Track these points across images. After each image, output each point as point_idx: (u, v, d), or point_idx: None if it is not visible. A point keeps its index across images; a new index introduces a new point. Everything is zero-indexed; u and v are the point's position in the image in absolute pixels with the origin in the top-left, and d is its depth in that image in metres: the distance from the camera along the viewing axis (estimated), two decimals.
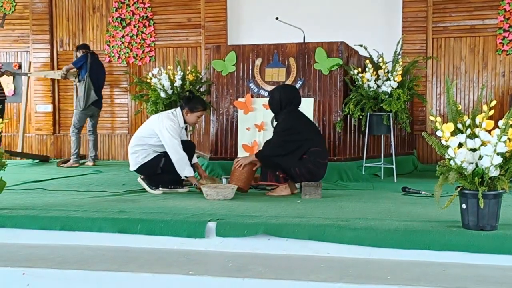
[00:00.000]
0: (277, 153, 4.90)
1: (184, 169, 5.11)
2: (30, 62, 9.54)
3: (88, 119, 8.46)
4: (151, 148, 5.22)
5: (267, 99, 6.17)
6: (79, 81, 8.35)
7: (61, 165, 8.26)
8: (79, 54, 8.45)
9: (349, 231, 3.32)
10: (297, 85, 6.21)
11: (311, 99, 6.20)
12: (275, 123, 5.31)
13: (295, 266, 3.12)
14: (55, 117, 9.74)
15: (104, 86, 8.85)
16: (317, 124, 6.02)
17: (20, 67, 9.79)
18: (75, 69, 8.56)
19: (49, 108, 9.68)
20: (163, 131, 5.14)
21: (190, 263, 3.19)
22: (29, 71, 9.45)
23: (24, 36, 9.79)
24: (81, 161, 8.49)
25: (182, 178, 5.21)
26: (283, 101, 5.07)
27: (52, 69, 9.61)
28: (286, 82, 6.25)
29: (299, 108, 5.17)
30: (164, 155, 5.19)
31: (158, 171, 5.17)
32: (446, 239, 3.17)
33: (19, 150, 9.18)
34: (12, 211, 3.95)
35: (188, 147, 5.33)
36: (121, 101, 9.51)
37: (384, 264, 3.13)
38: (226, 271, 3.03)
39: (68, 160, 8.43)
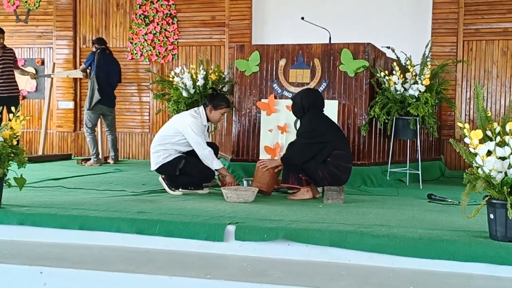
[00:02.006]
0: (301, 157, 4.90)
1: (212, 162, 5.19)
2: (54, 64, 9.64)
3: (102, 118, 8.51)
4: (173, 147, 5.26)
5: (291, 101, 6.19)
6: (89, 79, 8.43)
7: (82, 163, 8.34)
8: (93, 49, 8.52)
9: (371, 238, 3.30)
10: (322, 87, 6.20)
11: (336, 102, 6.18)
12: (298, 125, 5.32)
13: (315, 272, 3.11)
14: (76, 114, 9.86)
15: (125, 84, 8.93)
16: (341, 127, 5.99)
17: (43, 63, 9.92)
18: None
19: (71, 105, 9.80)
20: (187, 129, 5.20)
21: (208, 266, 3.20)
22: (52, 71, 9.54)
23: (48, 32, 9.92)
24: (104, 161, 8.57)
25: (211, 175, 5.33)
26: (305, 104, 5.06)
27: (75, 66, 9.73)
28: (311, 84, 6.24)
29: (323, 111, 5.16)
30: (185, 157, 5.23)
31: (177, 172, 5.21)
32: (472, 249, 3.13)
33: (41, 147, 9.29)
34: (31, 209, 4.01)
35: (212, 149, 5.35)
36: (143, 100, 9.58)
37: (407, 273, 3.10)
38: (244, 275, 3.03)
39: (89, 159, 8.50)
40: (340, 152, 4.93)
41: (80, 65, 9.51)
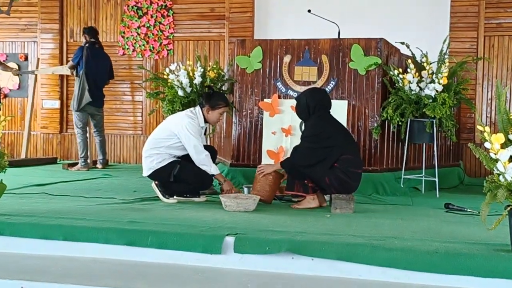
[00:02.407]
0: (305, 163, 4.90)
1: (210, 168, 5.23)
2: (38, 59, 9.66)
3: (90, 119, 8.51)
4: (168, 151, 5.26)
5: (295, 101, 6.18)
6: (76, 77, 8.37)
7: (69, 168, 8.35)
8: (83, 39, 8.49)
9: (384, 251, 3.29)
10: (330, 86, 6.20)
11: (345, 102, 6.18)
12: (304, 127, 5.32)
13: None
14: (63, 114, 9.87)
15: (117, 82, 8.93)
16: (350, 130, 5.99)
17: (26, 58, 9.95)
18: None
19: (56, 104, 9.81)
20: (182, 131, 5.20)
21: (204, 281, 3.19)
22: (36, 68, 9.55)
23: (32, 25, 9.95)
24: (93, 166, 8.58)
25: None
26: (311, 105, 5.05)
27: (61, 62, 9.74)
28: (318, 82, 6.24)
29: (330, 112, 5.16)
30: (180, 162, 5.23)
31: (171, 179, 5.21)
32: (492, 264, 3.12)
33: (23, 150, 9.30)
34: (11, 218, 4.00)
35: (210, 153, 5.35)
36: (136, 99, 9.60)
37: None
38: None
39: (77, 163, 8.50)
40: (348, 157, 4.92)
41: (68, 61, 9.50)
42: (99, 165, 8.51)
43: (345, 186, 4.90)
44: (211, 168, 5.25)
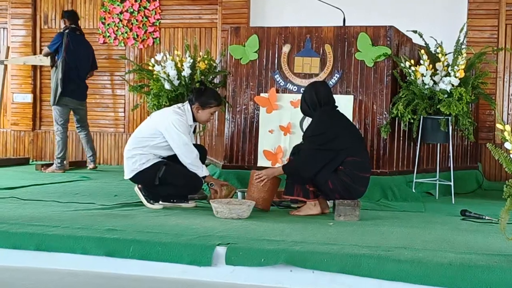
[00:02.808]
0: (312, 169, 4.89)
1: (200, 169, 5.25)
2: (8, 48, 9.63)
3: (72, 114, 8.50)
4: (152, 151, 5.25)
5: (296, 95, 6.20)
6: (52, 67, 8.34)
7: (42, 169, 8.33)
8: (63, 24, 8.45)
9: (392, 263, 3.30)
10: (334, 79, 6.21)
11: (351, 97, 6.18)
12: (306, 124, 5.33)
13: None
14: (36, 109, 9.86)
15: (96, 73, 8.91)
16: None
17: None
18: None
19: (29, 98, 9.79)
20: (169, 128, 5.19)
21: None
22: (6, 57, 9.52)
23: (1, 10, 9.92)
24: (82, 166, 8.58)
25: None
26: (322, 98, 5.05)
27: (34, 51, 9.72)
28: (320, 75, 6.25)
29: (337, 108, 5.17)
30: (166, 163, 5.23)
31: (156, 182, 5.21)
32: None
33: None
34: None
35: (199, 153, 5.35)
36: (117, 93, 9.59)
37: None
38: None
39: (52, 164, 8.49)
40: (355, 159, 4.92)
41: (42, 50, 9.49)
42: (90, 165, 8.48)
43: (350, 191, 4.91)
44: (202, 170, 5.26)
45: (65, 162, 8.39)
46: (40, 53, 9.54)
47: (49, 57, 8.55)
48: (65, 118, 8.32)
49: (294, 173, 4.99)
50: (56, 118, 8.30)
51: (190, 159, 5.22)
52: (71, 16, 8.42)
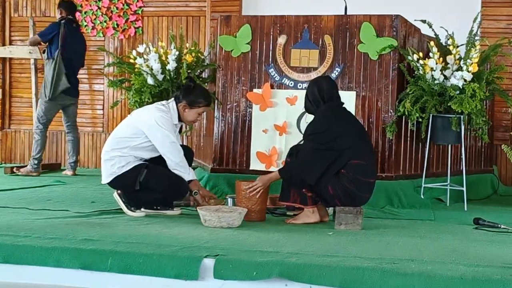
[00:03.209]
0: (314, 172, 4.87)
1: (187, 172, 5.24)
2: None
3: (62, 113, 8.49)
4: (133, 153, 5.24)
5: (293, 91, 6.22)
6: (48, 59, 8.34)
7: (16, 171, 8.30)
8: (59, 15, 8.44)
9: (398, 277, 3.30)
10: (334, 73, 6.21)
11: (353, 93, 6.19)
12: (304, 123, 5.32)
13: None
14: (4, 106, 9.82)
15: None
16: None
17: None
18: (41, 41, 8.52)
19: None
20: (152, 126, 5.17)
21: None
22: None
23: None
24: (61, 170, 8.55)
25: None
26: (325, 94, 5.06)
27: (2, 41, 9.68)
28: (320, 69, 6.25)
29: (342, 104, 5.18)
30: (148, 165, 5.23)
31: (136, 187, 5.20)
32: None
33: None
34: None
35: (185, 155, 5.34)
36: (95, 88, 9.57)
37: None
38: None
39: (24, 166, 8.46)
40: (359, 163, 4.91)
41: (12, 41, 9.47)
42: (69, 171, 8.45)
43: (352, 198, 4.90)
44: (188, 173, 5.25)
45: (40, 164, 8.39)
46: (10, 43, 9.52)
47: (36, 47, 8.61)
48: (50, 117, 8.34)
49: (293, 177, 4.99)
50: (40, 115, 8.30)
51: (177, 158, 5.21)
52: (68, 6, 8.44)
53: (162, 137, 5.19)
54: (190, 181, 5.28)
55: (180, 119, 5.42)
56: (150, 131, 5.20)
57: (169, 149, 5.20)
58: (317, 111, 5.10)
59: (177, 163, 5.21)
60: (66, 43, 8.17)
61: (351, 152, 4.91)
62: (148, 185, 5.19)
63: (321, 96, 5.07)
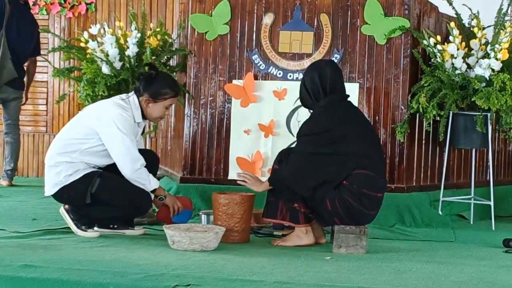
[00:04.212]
0: (309, 181, 4.87)
1: (148, 181, 5.21)
2: None
3: (2, 108, 8.47)
4: (83, 158, 5.21)
5: (281, 82, 6.24)
6: None
7: None
8: None
9: None
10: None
11: (355, 85, 6.21)
12: (295, 121, 5.32)
13: None
14: None
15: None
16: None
17: None
18: None
19: None
20: (108, 126, 5.14)
21: None
22: None
23: None
24: None
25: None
26: (328, 83, 5.01)
27: None
28: (315, 55, 6.27)
29: (347, 98, 5.16)
30: (100, 174, 5.21)
31: (87, 200, 5.17)
32: None
33: None
34: None
35: (148, 161, 5.34)
36: (37, 78, 9.53)
37: None
38: None
39: None
40: (366, 173, 4.87)
41: None
42: (4, 181, 8.43)
43: (355, 215, 4.88)
44: (150, 182, 5.24)
45: None
46: None
47: None
48: None
49: (284, 186, 4.98)
50: None
51: (132, 169, 5.17)
52: None
53: (117, 141, 5.14)
54: (153, 191, 5.28)
55: (144, 116, 5.40)
56: (104, 131, 5.16)
57: (123, 157, 5.16)
58: (316, 105, 5.07)
59: (131, 175, 5.18)
60: (11, 25, 8.15)
61: (358, 159, 4.89)
62: (101, 198, 5.17)
63: (323, 86, 5.02)
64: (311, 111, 5.17)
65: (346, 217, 4.88)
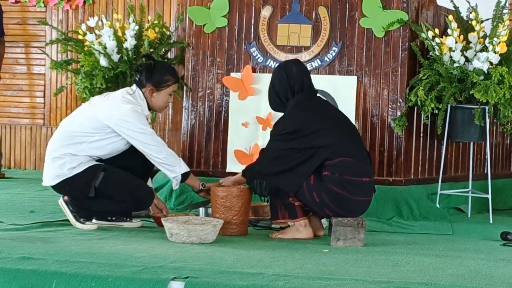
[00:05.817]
0: (271, 167, 4.92)
1: (179, 165, 5.26)
2: None
3: None
4: (89, 152, 5.20)
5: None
6: None
7: None
8: None
9: None
10: (331, 54, 6.23)
11: (353, 78, 6.21)
12: None
13: None
14: None
15: (5, 45, 8.87)
16: (360, 122, 6.04)
17: None
18: None
19: None
20: (126, 123, 5.13)
21: None
22: None
23: None
24: None
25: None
26: (296, 83, 5.06)
27: None
28: (313, 48, 6.28)
29: (315, 94, 5.19)
30: (104, 168, 5.21)
31: (91, 193, 5.17)
32: None
33: None
34: None
35: (144, 160, 5.33)
36: (35, 71, 9.53)
37: None
38: None
39: None
40: (345, 160, 4.89)
41: None
42: None
43: (344, 203, 4.87)
44: (180, 165, 5.27)
45: None
46: None
47: None
48: None
49: (255, 176, 5.04)
50: None
51: (163, 154, 5.21)
52: None
53: (142, 136, 5.18)
54: (185, 175, 5.30)
55: (149, 108, 5.41)
56: (124, 129, 5.14)
57: (152, 144, 5.19)
58: (285, 105, 5.10)
59: (162, 160, 5.21)
60: None
61: (331, 150, 4.90)
62: (104, 192, 5.17)
63: (291, 86, 5.05)
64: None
65: (336, 207, 4.88)
